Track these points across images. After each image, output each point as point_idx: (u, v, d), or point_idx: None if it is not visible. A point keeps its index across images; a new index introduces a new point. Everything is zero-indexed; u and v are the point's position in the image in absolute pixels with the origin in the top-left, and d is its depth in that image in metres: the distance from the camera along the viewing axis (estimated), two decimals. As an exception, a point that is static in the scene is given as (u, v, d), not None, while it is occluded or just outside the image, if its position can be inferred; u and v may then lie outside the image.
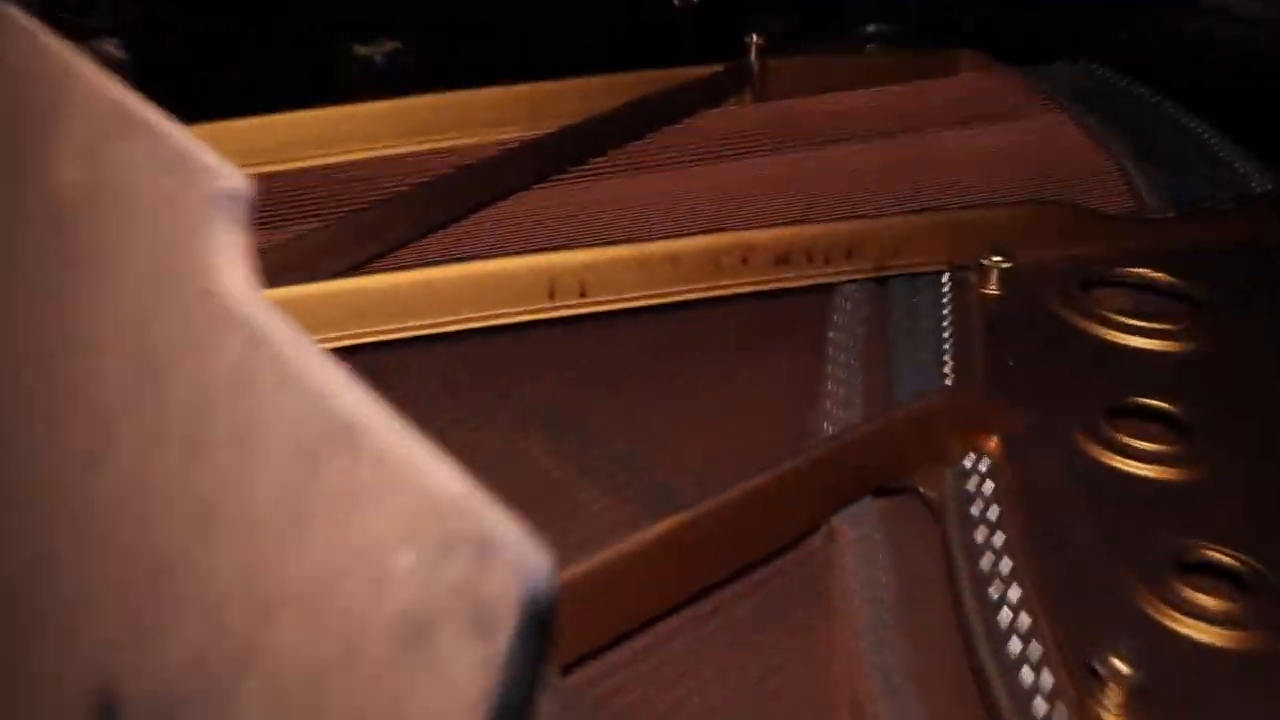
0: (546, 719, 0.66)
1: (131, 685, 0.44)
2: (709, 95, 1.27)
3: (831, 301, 1.02)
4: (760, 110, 1.27)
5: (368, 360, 0.93)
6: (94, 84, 0.50)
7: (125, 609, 0.45)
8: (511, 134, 1.19)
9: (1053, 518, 0.79)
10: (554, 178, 1.14)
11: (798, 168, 1.15)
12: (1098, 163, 1.17)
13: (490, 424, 0.91)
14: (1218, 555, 0.76)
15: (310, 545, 0.39)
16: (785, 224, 1.04)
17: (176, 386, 0.44)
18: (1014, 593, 0.74)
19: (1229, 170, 1.17)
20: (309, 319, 0.91)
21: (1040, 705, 0.69)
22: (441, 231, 1.06)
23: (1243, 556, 0.75)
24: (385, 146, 1.18)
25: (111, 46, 1.26)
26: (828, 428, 0.89)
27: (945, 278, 1.02)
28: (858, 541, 0.80)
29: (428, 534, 0.36)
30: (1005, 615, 0.74)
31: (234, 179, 0.46)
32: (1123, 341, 0.95)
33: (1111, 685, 0.67)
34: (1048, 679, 0.69)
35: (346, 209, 1.07)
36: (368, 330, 0.94)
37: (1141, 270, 1.01)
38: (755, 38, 1.29)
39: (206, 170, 0.46)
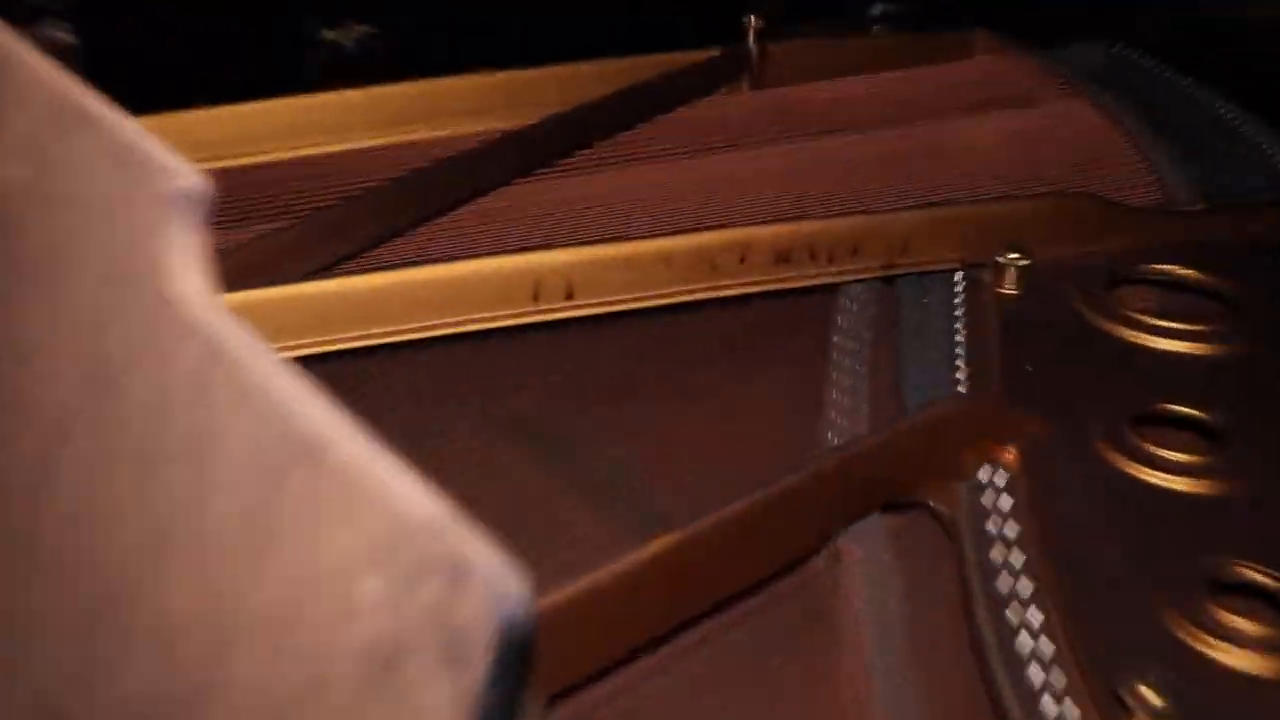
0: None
1: (81, 722, 0.44)
2: (703, 82, 1.27)
3: (836, 303, 1.02)
4: (759, 98, 1.27)
5: (335, 370, 0.93)
6: (38, 73, 0.50)
7: (73, 638, 0.45)
8: (491, 125, 1.19)
9: (1075, 535, 0.79)
10: (537, 172, 1.15)
11: (799, 159, 1.15)
12: (1121, 151, 1.17)
13: (468, 437, 0.91)
14: (1254, 575, 0.76)
15: (271, 570, 0.39)
16: (786, 220, 1.04)
17: (129, 399, 0.44)
18: (1034, 616, 0.75)
19: (1263, 158, 1.18)
20: (271, 326, 0.91)
21: (1062, 737, 0.69)
22: (415, 230, 1.07)
23: (1281, 575, 0.76)
24: (354, 139, 1.19)
25: (60, 31, 1.26)
26: (832, 439, 0.89)
27: (958, 276, 1.03)
28: (865, 562, 0.80)
29: (397, 558, 0.36)
30: (1025, 641, 0.74)
31: (191, 177, 0.46)
32: (1150, 343, 0.95)
33: (1140, 716, 0.67)
34: (1071, 710, 0.70)
35: (312, 207, 1.07)
36: (335, 337, 0.94)
37: (1170, 266, 1.02)
38: (753, 20, 1.29)
39: (161, 168, 0.46)
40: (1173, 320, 0.96)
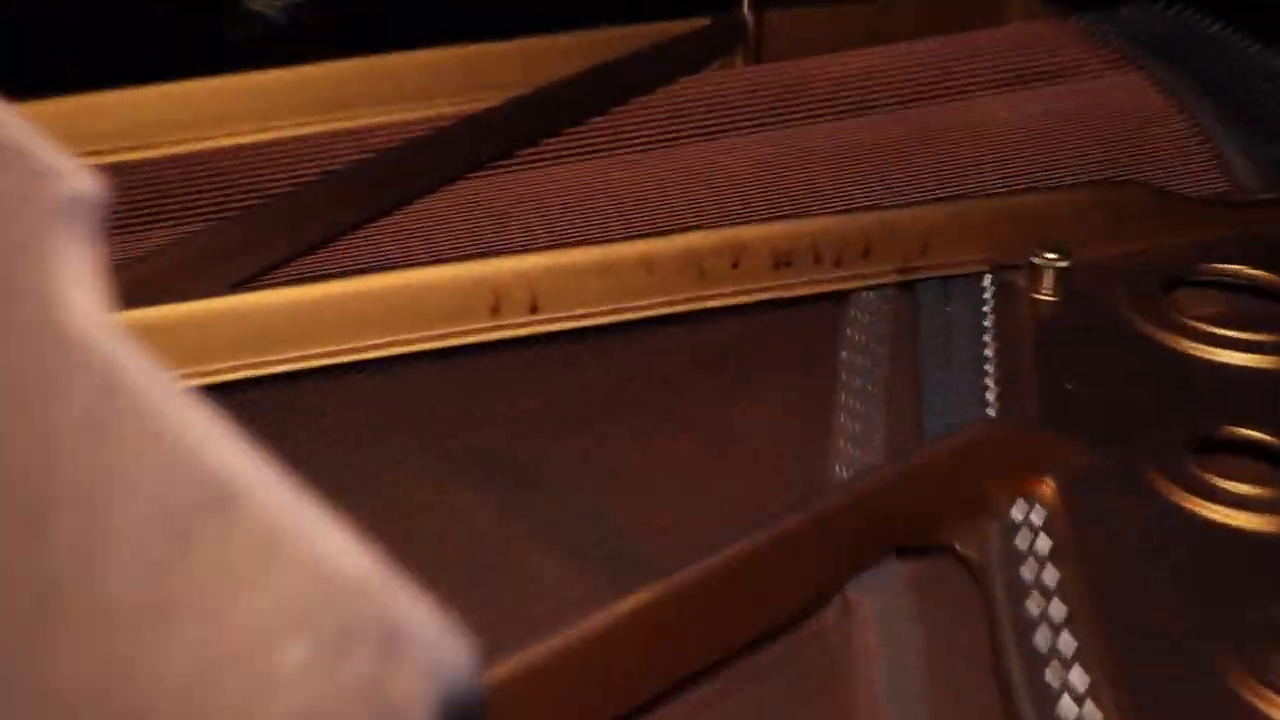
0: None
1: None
2: (692, 57, 1.27)
3: (845, 314, 1.02)
4: (755, 74, 1.28)
5: (258, 400, 0.93)
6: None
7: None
8: (443, 109, 1.20)
9: (1126, 582, 0.80)
10: (497, 163, 1.15)
11: (801, 146, 1.16)
12: (1180, 132, 1.18)
13: (418, 475, 0.91)
14: (1332, 626, 0.77)
15: (178, 638, 0.39)
16: (786, 217, 1.05)
17: (10, 440, 0.44)
18: (1077, 678, 0.75)
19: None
20: (182, 349, 0.91)
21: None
22: (355, 233, 1.07)
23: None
24: (281, 126, 1.19)
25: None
26: (841, 472, 0.90)
27: (987, 281, 1.03)
28: (880, 615, 0.81)
29: (322, 623, 0.36)
30: (1067, 706, 0.74)
31: (82, 178, 0.46)
32: (1212, 356, 0.96)
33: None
34: (1121, 785, 0.70)
35: (231, 208, 1.08)
36: (261, 360, 0.94)
37: (1236, 266, 1.03)
38: (749, -17, 1.30)
39: (46, 168, 0.46)
40: (1239, 329, 0.97)
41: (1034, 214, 1.05)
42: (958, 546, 0.84)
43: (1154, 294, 1.00)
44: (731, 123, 1.20)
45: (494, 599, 0.82)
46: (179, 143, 1.16)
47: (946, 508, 0.85)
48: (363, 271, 1.01)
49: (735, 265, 1.01)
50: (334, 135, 1.18)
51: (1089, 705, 0.74)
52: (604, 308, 1.00)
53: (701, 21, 1.30)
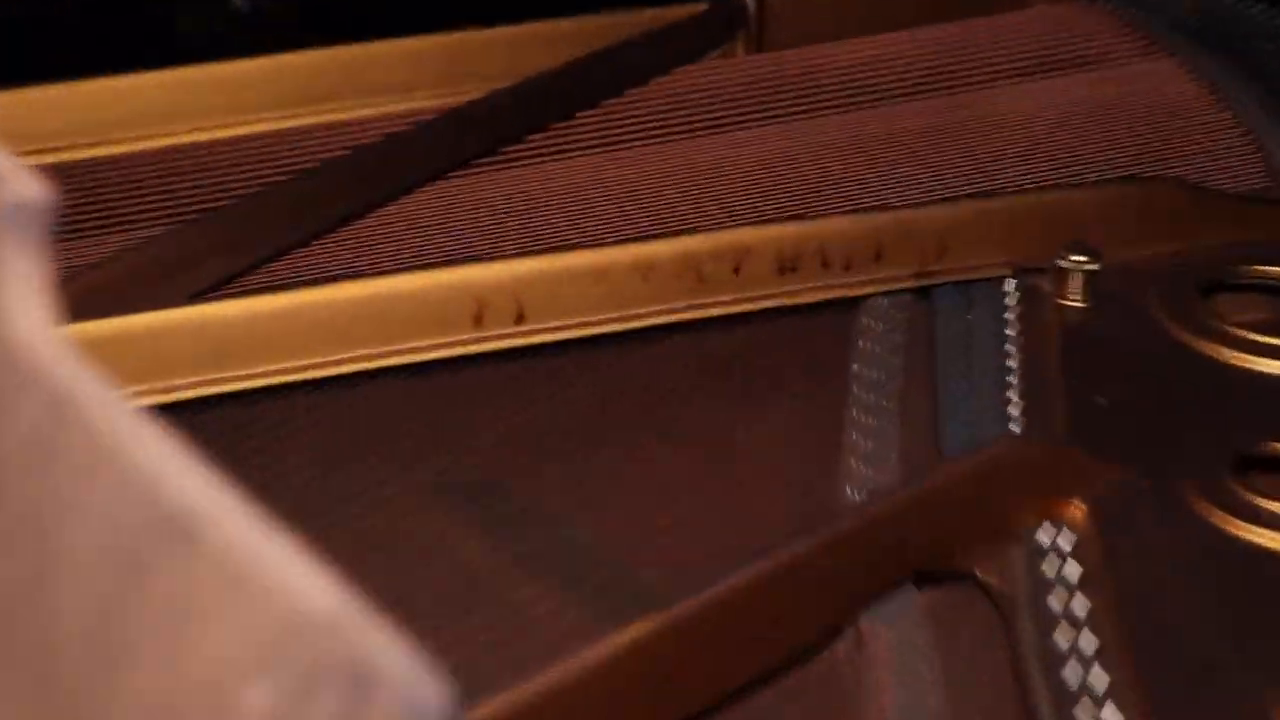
0: None
1: None
2: (689, 45, 1.27)
3: (856, 322, 1.03)
4: (758, 63, 1.28)
5: (221, 420, 0.94)
6: None
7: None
8: (421, 103, 1.20)
9: (1163, 612, 0.80)
10: (481, 161, 1.15)
11: (809, 141, 1.16)
12: (1219, 123, 1.18)
13: (394, 501, 0.91)
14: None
15: (133, 680, 0.39)
16: (792, 217, 1.05)
17: (-48, 468, 0.45)
18: (1110, 716, 0.75)
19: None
20: (138, 364, 0.91)
21: None
22: (326, 238, 1.07)
23: None
24: (246, 122, 1.19)
25: None
26: (853, 494, 0.90)
27: (1010, 285, 1.03)
28: (895, 648, 0.81)
29: (288, 662, 0.36)
30: (1099, 747, 0.74)
31: (26, 184, 0.46)
32: (1254, 366, 0.96)
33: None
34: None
35: (192, 210, 1.08)
36: (223, 376, 0.94)
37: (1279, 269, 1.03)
38: (751, -36, 1.30)
39: (-10, 173, 0.46)
40: (1283, 337, 0.97)
41: (1060, 213, 1.05)
42: (979, 574, 0.84)
43: (1190, 298, 1.00)
44: (732, 116, 1.20)
45: (478, 634, 0.82)
46: (132, 140, 1.16)
47: (967, 532, 0.85)
48: (334, 279, 1.01)
49: (737, 270, 1.01)
50: (302, 132, 1.18)
51: (1124, 746, 0.74)
52: (596, 317, 1.00)
53: (700, 6, 1.30)
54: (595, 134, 1.18)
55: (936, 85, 1.23)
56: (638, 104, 1.21)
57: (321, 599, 0.37)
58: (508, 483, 0.93)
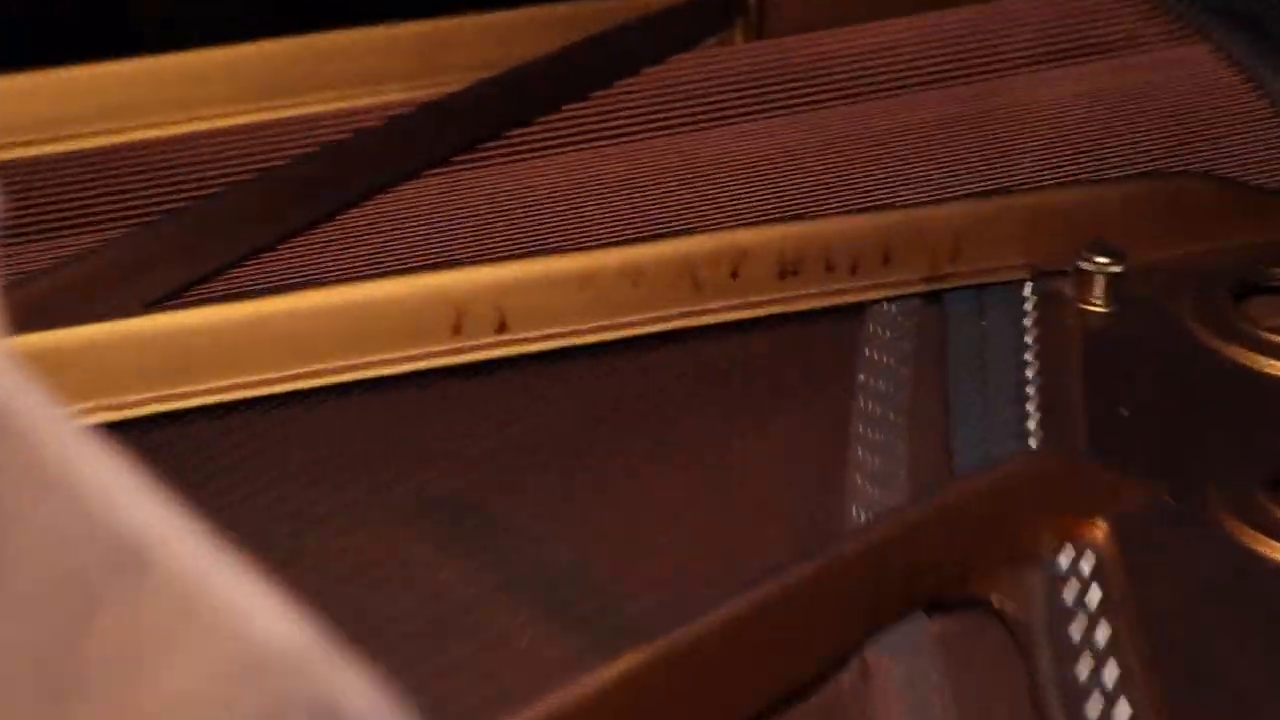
0: None
1: None
2: (684, 32, 1.27)
3: (863, 330, 1.03)
4: (758, 52, 1.27)
5: (179, 437, 0.93)
6: None
7: None
8: (396, 95, 1.20)
9: (1191, 640, 0.80)
10: (459, 158, 1.15)
11: (812, 135, 1.16)
12: (1254, 112, 1.18)
13: (367, 524, 0.91)
14: None
15: (82, 717, 0.40)
16: (794, 217, 1.06)
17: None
18: (1134, 752, 0.76)
19: None
20: (89, 380, 0.91)
21: None
22: (293, 241, 1.07)
23: None
24: (207, 116, 1.19)
25: None
26: (858, 514, 0.90)
27: (1028, 290, 1.04)
28: (904, 681, 0.81)
29: (245, 702, 0.37)
30: (1124, 785, 0.75)
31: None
32: (1292, 376, 0.96)
33: None
34: None
35: (149, 211, 1.08)
36: (181, 392, 0.94)
37: (1319, 270, 1.03)
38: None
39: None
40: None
41: (1082, 210, 1.06)
42: (994, 600, 0.85)
43: (1222, 302, 1.00)
44: (730, 108, 1.20)
45: (457, 667, 0.82)
46: (84, 137, 1.16)
47: (981, 555, 0.85)
48: (302, 286, 1.01)
49: (735, 274, 1.01)
50: (267, 127, 1.18)
51: (1149, 784, 0.74)
52: (583, 326, 1.00)
53: (696, -10, 1.30)
54: (583, 129, 1.18)
55: (948, 74, 1.23)
56: (629, 96, 1.21)
57: (283, 633, 0.37)
58: (488, 504, 0.93)
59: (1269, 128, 1.17)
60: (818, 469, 0.94)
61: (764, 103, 1.21)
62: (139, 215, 1.08)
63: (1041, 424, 0.93)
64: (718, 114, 1.20)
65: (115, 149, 1.15)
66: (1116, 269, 1.00)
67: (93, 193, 1.10)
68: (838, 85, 1.22)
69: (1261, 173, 1.13)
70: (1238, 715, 0.77)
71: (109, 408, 0.92)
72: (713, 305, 1.01)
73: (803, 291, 1.03)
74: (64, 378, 0.89)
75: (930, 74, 1.23)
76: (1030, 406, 0.95)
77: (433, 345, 0.99)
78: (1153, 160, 1.13)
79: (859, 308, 1.04)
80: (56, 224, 1.07)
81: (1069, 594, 0.84)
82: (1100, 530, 0.85)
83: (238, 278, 1.04)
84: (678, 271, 1.01)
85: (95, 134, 1.16)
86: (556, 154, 1.16)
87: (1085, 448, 0.91)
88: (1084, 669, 0.80)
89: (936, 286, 1.05)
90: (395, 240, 1.07)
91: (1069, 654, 0.81)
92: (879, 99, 1.21)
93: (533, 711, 0.73)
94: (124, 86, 1.18)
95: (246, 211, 1.07)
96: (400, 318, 0.98)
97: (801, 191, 1.10)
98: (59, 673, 0.40)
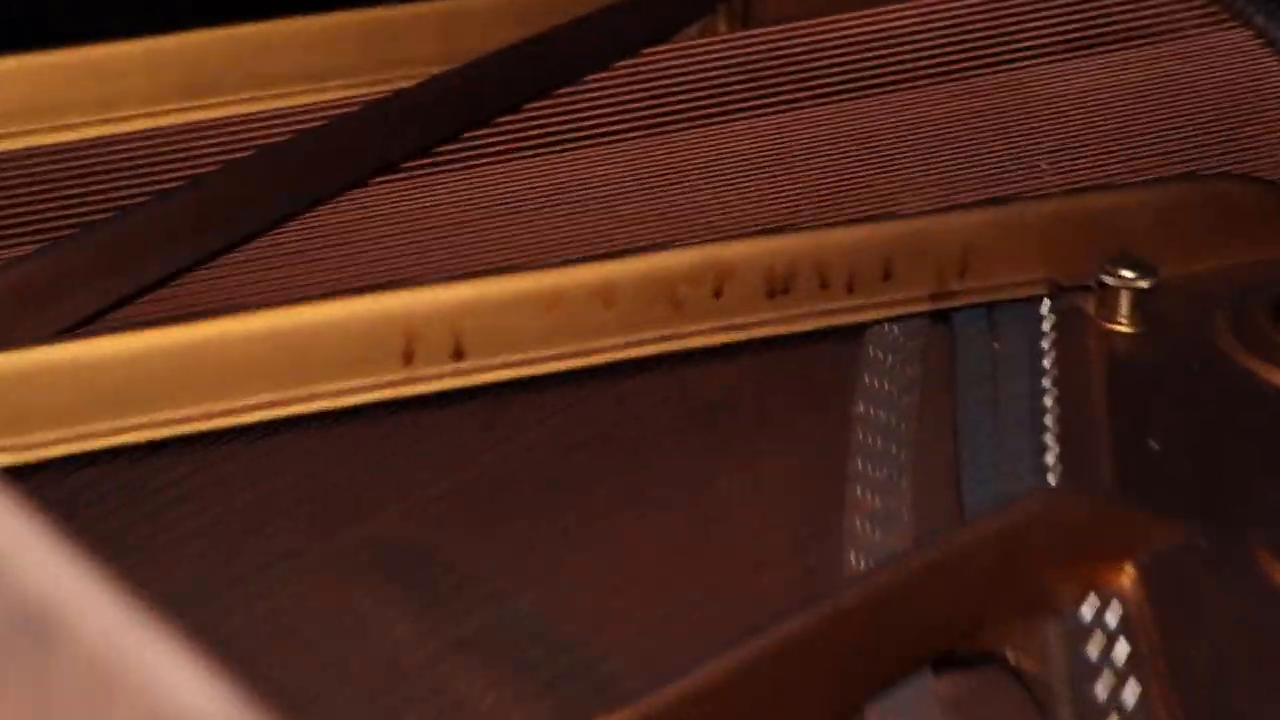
0: None
1: None
2: (661, 21, 1.27)
3: (861, 354, 1.03)
4: (743, 42, 1.27)
5: (96, 481, 0.93)
6: None
7: None
8: (342, 93, 1.20)
9: (1228, 697, 0.81)
10: (409, 164, 1.15)
11: (803, 136, 1.17)
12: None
13: (311, 575, 0.92)
14: None
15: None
16: (783, 229, 1.06)
17: None
18: (1166, 824, 0.76)
19: None
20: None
21: None
22: (225, 258, 1.07)
23: None
24: (131, 116, 1.19)
25: None
26: (856, 561, 0.91)
27: (1045, 308, 1.04)
28: (909, 748, 0.82)
29: (164, 781, 0.37)
30: None
31: None
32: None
33: None
34: None
35: (60, 226, 1.08)
36: (97, 430, 0.94)
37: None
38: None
39: None
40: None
41: (1106, 219, 1.06)
42: (1010, 657, 0.85)
43: (1262, 321, 1.01)
44: (712, 106, 1.20)
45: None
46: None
47: (994, 605, 0.85)
48: (234, 310, 1.00)
49: (719, 293, 1.01)
50: (195, 129, 1.18)
51: None
52: (549, 352, 1.00)
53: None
54: (548, 130, 1.18)
55: (957, 66, 1.23)
56: (599, 93, 1.21)
57: (203, 704, 0.37)
58: (446, 552, 0.94)
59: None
60: (812, 510, 0.95)
61: (750, 100, 1.21)
62: (50, 231, 1.08)
63: (1061, 458, 0.94)
64: (698, 113, 1.20)
65: (21, 153, 1.15)
66: (1144, 284, 1.01)
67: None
68: (831, 80, 1.23)
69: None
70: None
71: (16, 448, 0.92)
72: (694, 328, 1.02)
73: (794, 311, 1.03)
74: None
75: (936, 66, 1.24)
76: (1048, 438, 0.95)
77: (381, 375, 0.99)
78: (1186, 161, 1.14)
79: (857, 329, 1.05)
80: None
81: (1093, 649, 0.84)
82: (1127, 577, 0.86)
83: (162, 300, 1.04)
84: (655, 290, 1.01)
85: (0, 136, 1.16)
86: (519, 158, 1.16)
87: (1110, 484, 0.92)
88: (1111, 732, 0.81)
89: (944, 305, 1.05)
90: (338, 257, 1.08)
91: (1094, 714, 0.81)
92: (879, 94, 1.22)
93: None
94: (32, 83, 1.18)
95: (172, 225, 1.07)
96: (345, 344, 0.98)
97: (791, 200, 1.11)
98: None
